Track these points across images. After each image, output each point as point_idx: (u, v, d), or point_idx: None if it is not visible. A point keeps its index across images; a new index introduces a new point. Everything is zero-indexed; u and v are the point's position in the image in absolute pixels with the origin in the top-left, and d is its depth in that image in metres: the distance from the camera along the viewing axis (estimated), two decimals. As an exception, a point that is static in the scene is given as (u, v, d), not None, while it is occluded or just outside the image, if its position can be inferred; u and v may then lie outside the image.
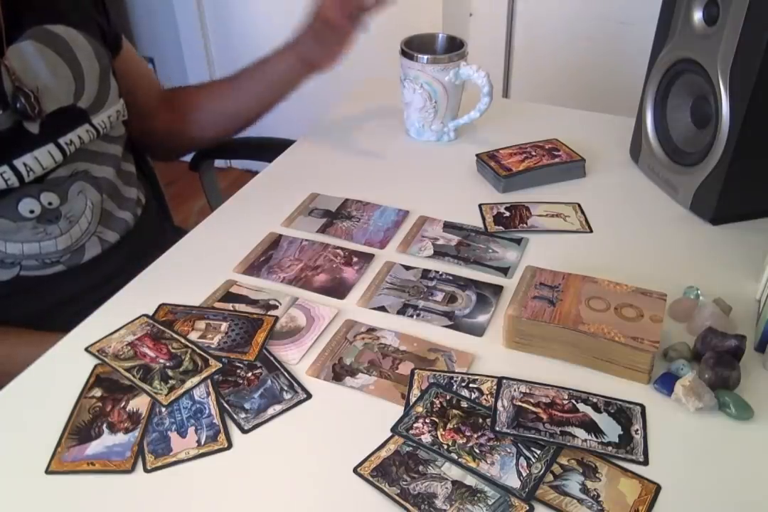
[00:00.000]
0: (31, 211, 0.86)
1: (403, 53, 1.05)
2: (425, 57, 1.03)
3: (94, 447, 0.63)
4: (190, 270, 0.86)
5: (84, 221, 0.92)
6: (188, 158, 1.30)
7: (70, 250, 0.92)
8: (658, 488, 0.59)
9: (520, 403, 0.66)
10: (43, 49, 0.85)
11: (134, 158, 1.08)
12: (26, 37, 0.84)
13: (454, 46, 1.07)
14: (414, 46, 1.06)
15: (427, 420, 0.65)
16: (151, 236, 1.06)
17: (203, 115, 1.13)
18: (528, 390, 0.67)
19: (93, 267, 0.96)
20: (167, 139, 1.15)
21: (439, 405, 0.66)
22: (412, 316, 0.78)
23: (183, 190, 1.85)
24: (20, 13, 0.84)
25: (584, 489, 0.59)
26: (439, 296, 0.80)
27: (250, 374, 0.70)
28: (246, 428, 0.65)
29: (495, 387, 0.68)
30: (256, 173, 1.06)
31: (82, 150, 0.91)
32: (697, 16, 0.87)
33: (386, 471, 0.60)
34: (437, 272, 0.84)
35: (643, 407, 0.66)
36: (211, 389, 0.69)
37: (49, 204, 0.87)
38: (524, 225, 0.91)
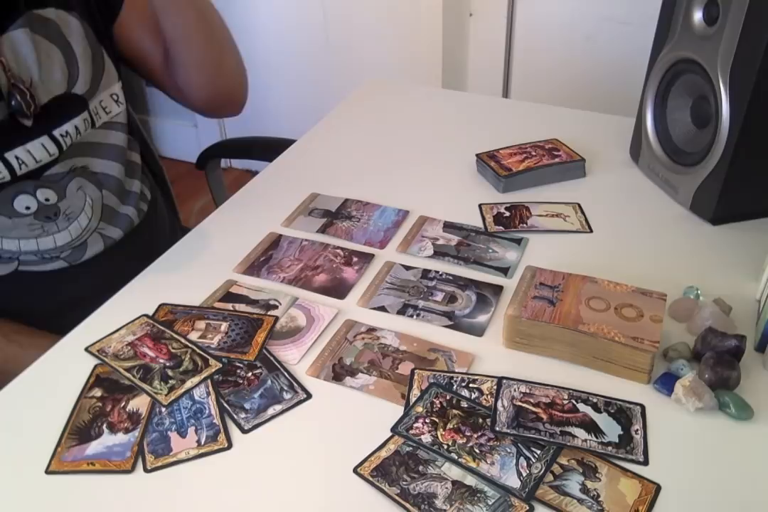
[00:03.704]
0: (27, 208, 0.85)
1: None
2: None
3: (94, 447, 0.63)
4: (190, 270, 0.86)
5: (84, 218, 0.92)
6: (194, 158, 1.30)
7: (70, 246, 0.92)
8: (658, 488, 0.59)
9: (520, 403, 0.66)
10: (34, 37, 0.83)
11: (140, 151, 1.05)
12: (17, 25, 0.82)
13: None
14: None
15: (427, 420, 0.65)
16: (157, 234, 1.05)
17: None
18: (528, 390, 0.67)
19: (96, 265, 0.95)
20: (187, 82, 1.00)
21: (439, 405, 0.66)
22: (412, 316, 0.78)
23: (184, 189, 1.85)
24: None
25: (584, 489, 0.59)
26: (439, 296, 0.80)
27: (250, 374, 0.70)
28: (246, 428, 0.65)
29: (495, 387, 0.68)
30: (256, 173, 1.06)
31: (81, 143, 0.89)
32: (697, 16, 0.87)
33: (386, 471, 0.60)
34: (437, 272, 0.84)
35: (643, 407, 0.66)
36: (211, 389, 0.69)
37: (46, 200, 0.87)
38: (524, 225, 0.91)
